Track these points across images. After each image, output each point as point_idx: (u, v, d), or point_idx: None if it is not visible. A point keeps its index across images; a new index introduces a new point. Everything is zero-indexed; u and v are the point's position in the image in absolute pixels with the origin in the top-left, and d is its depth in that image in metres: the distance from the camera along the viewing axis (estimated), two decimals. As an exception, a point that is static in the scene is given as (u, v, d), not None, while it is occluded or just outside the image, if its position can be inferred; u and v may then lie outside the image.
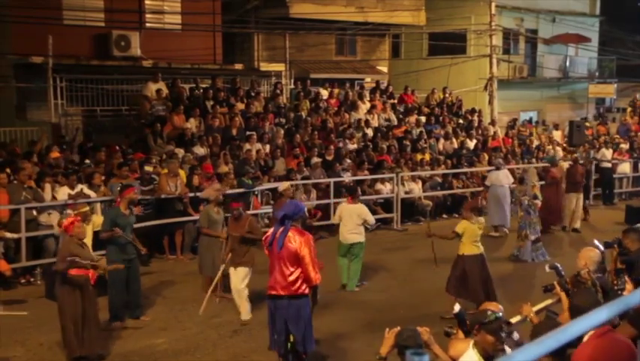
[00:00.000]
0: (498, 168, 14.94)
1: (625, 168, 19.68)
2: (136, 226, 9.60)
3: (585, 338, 4.40)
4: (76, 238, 7.56)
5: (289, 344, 6.68)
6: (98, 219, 9.72)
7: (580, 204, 15.33)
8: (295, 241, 6.45)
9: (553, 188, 14.93)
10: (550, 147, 21.00)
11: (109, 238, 8.74)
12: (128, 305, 9.00)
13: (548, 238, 13.78)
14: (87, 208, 9.39)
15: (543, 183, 14.93)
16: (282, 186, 11.86)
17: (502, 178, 14.71)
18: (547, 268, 6.63)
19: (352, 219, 10.44)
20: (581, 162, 16.21)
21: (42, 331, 8.03)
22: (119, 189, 11.03)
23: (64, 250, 7.53)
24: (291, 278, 6.52)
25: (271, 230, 6.85)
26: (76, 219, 7.76)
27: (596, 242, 6.80)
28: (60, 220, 8.68)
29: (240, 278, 8.96)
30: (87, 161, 13.06)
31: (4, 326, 8.32)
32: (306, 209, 7.23)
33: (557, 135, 22.94)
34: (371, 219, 10.66)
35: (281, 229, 6.52)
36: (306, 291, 6.65)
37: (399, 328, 4.58)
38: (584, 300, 4.87)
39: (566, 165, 16.08)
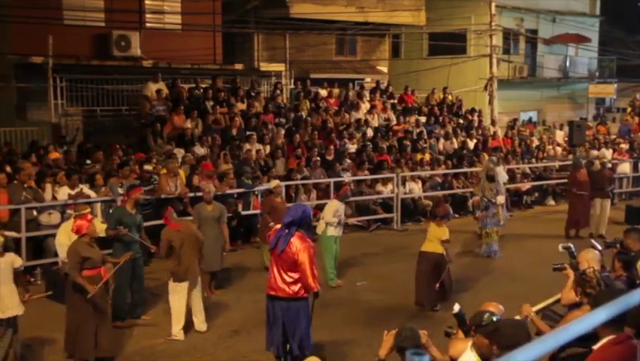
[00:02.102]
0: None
1: (625, 168, 19.65)
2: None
3: (600, 344, 4.26)
4: (89, 237, 7.45)
5: (287, 346, 6.66)
6: (100, 226, 9.67)
7: (606, 210, 14.64)
8: (296, 247, 6.42)
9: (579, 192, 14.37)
10: (551, 147, 20.98)
11: (114, 237, 8.80)
12: (130, 304, 9.01)
13: (578, 243, 13.30)
14: (88, 209, 9.33)
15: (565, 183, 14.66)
16: (272, 183, 11.89)
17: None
18: (560, 248, 6.61)
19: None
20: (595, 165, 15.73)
21: (42, 331, 8.02)
22: (119, 189, 11.06)
23: (75, 255, 7.32)
24: (290, 281, 6.49)
25: (276, 227, 6.81)
26: (86, 218, 7.67)
27: (593, 242, 6.79)
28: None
29: (170, 292, 8.39)
30: (89, 161, 13.06)
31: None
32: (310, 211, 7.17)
33: (560, 135, 22.90)
34: (326, 215, 10.57)
35: (285, 232, 6.50)
36: (306, 294, 6.63)
37: (397, 329, 4.56)
38: (608, 300, 4.78)
39: (597, 165, 15.42)
